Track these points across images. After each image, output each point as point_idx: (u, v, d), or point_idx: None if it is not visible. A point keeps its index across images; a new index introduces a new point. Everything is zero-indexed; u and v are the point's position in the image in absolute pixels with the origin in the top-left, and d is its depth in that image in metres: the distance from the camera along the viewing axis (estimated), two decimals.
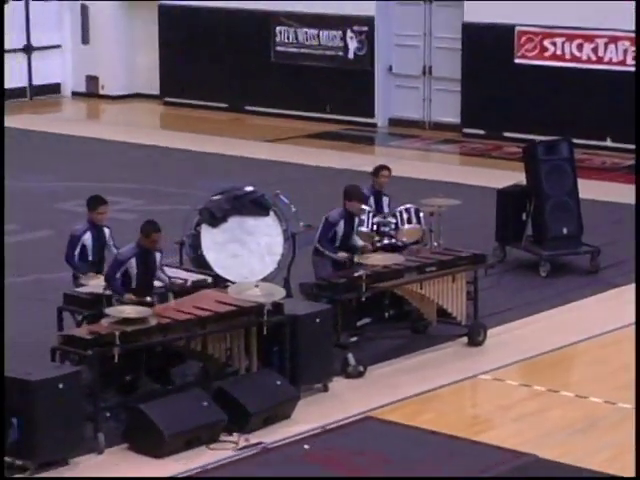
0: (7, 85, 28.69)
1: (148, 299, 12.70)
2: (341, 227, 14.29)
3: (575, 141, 18.13)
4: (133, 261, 12.87)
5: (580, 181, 17.87)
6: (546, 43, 24.34)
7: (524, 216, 17.19)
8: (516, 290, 16.27)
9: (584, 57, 23.89)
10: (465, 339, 14.50)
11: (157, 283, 13.14)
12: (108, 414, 12.04)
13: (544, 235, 17.15)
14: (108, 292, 12.86)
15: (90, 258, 13.56)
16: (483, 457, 11.78)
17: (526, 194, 17.35)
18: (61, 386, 11.34)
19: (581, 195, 17.67)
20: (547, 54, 24.36)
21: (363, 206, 14.62)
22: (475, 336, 14.49)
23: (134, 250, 12.89)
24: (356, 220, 14.50)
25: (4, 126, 21.38)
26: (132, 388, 12.48)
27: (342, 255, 14.18)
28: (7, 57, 28.68)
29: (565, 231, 17.19)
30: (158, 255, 13.09)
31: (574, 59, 24.04)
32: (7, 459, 11.31)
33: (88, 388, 11.68)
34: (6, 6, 28.68)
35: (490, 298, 15.03)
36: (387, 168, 15.44)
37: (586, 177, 19.57)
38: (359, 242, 14.48)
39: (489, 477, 11.38)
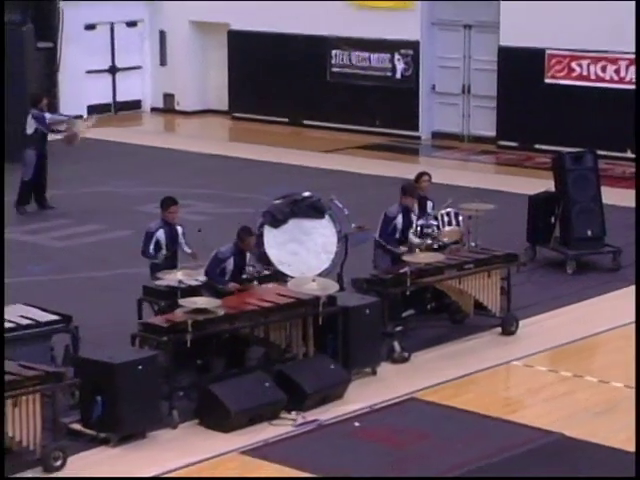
0: (95, 101, 29.03)
1: (255, 283, 13.29)
2: (399, 221, 14.30)
3: (599, 152, 18.03)
4: (231, 260, 13.13)
5: (603, 188, 17.79)
6: (573, 65, 24.26)
7: (552, 219, 17.13)
8: (545, 286, 16.19)
9: (607, 77, 23.75)
10: (499, 329, 14.44)
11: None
12: (181, 393, 12.10)
13: (570, 236, 17.07)
14: (182, 285, 12.93)
15: (164, 253, 13.61)
16: (514, 435, 11.76)
17: (555, 200, 17.29)
18: (140, 368, 11.41)
19: (604, 201, 17.59)
20: (574, 75, 24.26)
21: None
22: (508, 326, 14.43)
23: (232, 250, 13.15)
24: (412, 214, 14.45)
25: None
26: (203, 370, 12.51)
27: (403, 249, 14.16)
28: (95, 77, 28.93)
29: (589, 233, 17.13)
30: (248, 255, 13.42)
31: (598, 79, 23.92)
32: (91, 432, 11.40)
33: (164, 370, 11.74)
34: (94, 31, 28.88)
35: (521, 293, 14.96)
36: (427, 174, 15.43)
37: (608, 185, 19.44)
38: (415, 240, 14.45)
39: (520, 453, 11.32)
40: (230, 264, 13.16)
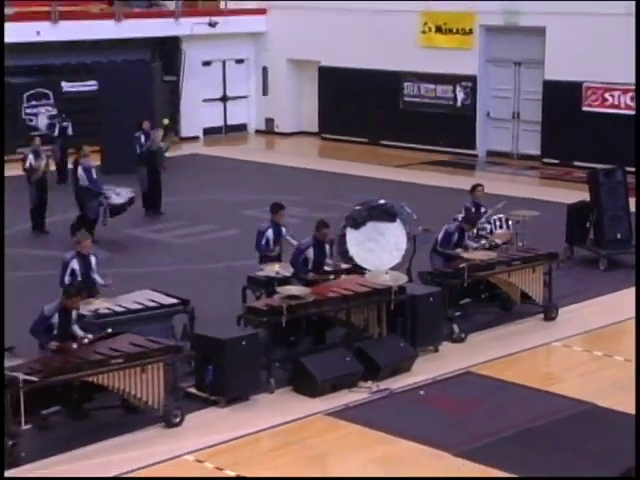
0: (209, 124, 29.25)
1: (332, 277, 12.97)
2: (455, 237, 14.20)
3: (627, 169, 17.81)
4: (311, 250, 13.13)
5: (630, 199, 17.63)
6: (606, 95, 24.00)
7: (587, 224, 16.96)
8: (581, 279, 16.01)
9: (635, 106, 23.40)
10: (541, 315, 14.31)
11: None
12: (277, 364, 12.13)
13: (603, 239, 16.89)
14: (280, 276, 12.98)
15: (271, 247, 13.66)
16: (553, 403, 11.66)
17: (589, 208, 17.11)
18: (244, 343, 11.47)
19: (631, 209, 17.42)
20: (607, 104, 24.01)
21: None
22: (549, 313, 14.29)
23: (311, 242, 13.12)
24: (466, 235, 14.30)
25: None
26: (295, 346, 12.55)
27: (457, 250, 14.06)
28: (209, 104, 29.15)
29: (619, 236, 16.96)
30: (327, 246, 13.32)
31: (627, 107, 23.62)
32: (204, 395, 11.48)
33: (263, 345, 11.79)
34: (209, 67, 29.10)
35: (561, 285, 14.79)
36: (481, 185, 15.37)
37: (634, 196, 19.16)
38: (473, 244, 14.37)
39: (558, 419, 11.22)
40: (310, 253, 13.08)
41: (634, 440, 9.18)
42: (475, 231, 14.72)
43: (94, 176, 18.17)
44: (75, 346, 10.83)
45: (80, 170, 18.28)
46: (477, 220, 14.67)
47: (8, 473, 9.93)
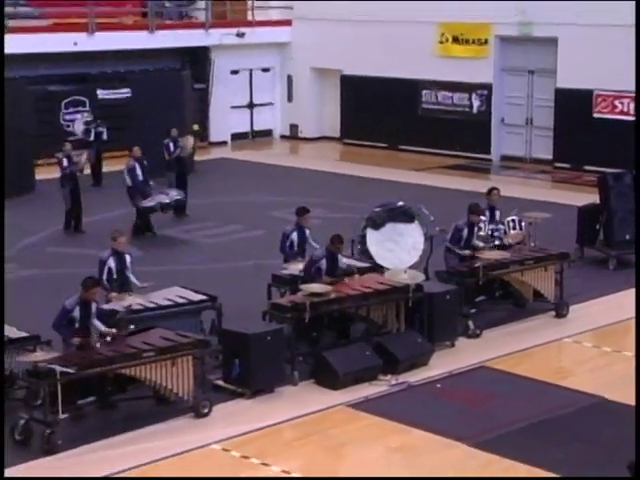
0: (236, 130, 29.27)
1: (347, 280, 12.81)
2: (465, 233, 14.15)
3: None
4: (324, 262, 12.88)
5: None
6: (616, 102, 23.87)
7: (597, 226, 16.86)
8: (591, 278, 15.92)
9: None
10: (553, 313, 14.23)
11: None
12: (301, 358, 12.13)
13: (612, 240, 16.78)
14: (302, 274, 12.96)
15: (295, 249, 13.64)
16: (564, 397, 11.61)
17: (599, 210, 17.01)
18: (269, 338, 11.47)
19: None
20: (616, 110, 23.88)
21: (482, 217, 14.50)
22: (560, 310, 14.22)
23: (325, 253, 12.93)
24: (476, 228, 14.32)
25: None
26: (317, 341, 12.54)
27: (466, 252, 14.05)
28: (237, 111, 29.16)
29: (627, 237, 16.80)
30: (340, 257, 13.10)
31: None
32: (231, 387, 11.48)
33: (287, 340, 11.79)
34: (237, 75, 29.13)
35: (572, 284, 14.71)
36: (497, 188, 15.27)
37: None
38: (479, 244, 14.32)
39: (569, 411, 11.18)
40: (323, 264, 12.82)
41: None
42: (490, 232, 14.67)
43: (139, 177, 18.31)
44: (97, 343, 10.83)
45: (125, 171, 18.44)
46: (480, 207, 14.50)
47: (46, 460, 9.98)
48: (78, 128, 24.01)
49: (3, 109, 20.31)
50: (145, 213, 18.30)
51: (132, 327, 11.52)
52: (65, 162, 18.70)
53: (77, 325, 10.88)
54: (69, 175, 18.67)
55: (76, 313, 10.87)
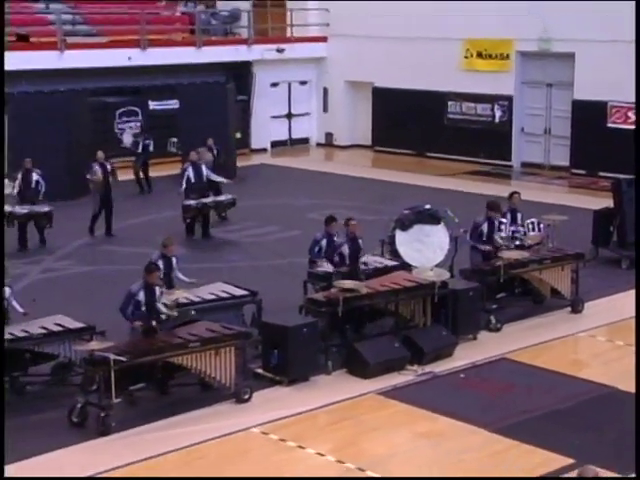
0: (275, 138, 29.29)
1: (362, 278, 12.70)
2: (485, 228, 14.09)
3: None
4: (346, 246, 13.07)
5: None
6: (629, 114, 23.61)
7: (611, 228, 16.72)
8: (605, 277, 15.76)
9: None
10: (569, 309, 14.13)
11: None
12: (334, 349, 12.12)
13: (625, 241, 16.60)
14: (335, 271, 12.96)
15: (322, 255, 13.63)
16: (579, 387, 11.53)
17: (613, 214, 16.86)
18: (305, 330, 11.47)
19: None
20: (629, 121, 23.60)
21: (503, 219, 14.40)
22: (576, 306, 14.12)
23: (345, 238, 13.09)
24: (495, 223, 14.22)
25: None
26: (350, 333, 12.53)
27: (487, 247, 13.96)
28: (276, 120, 29.17)
29: None
30: (360, 241, 13.18)
31: None
32: (270, 375, 11.48)
33: (322, 332, 11.79)
34: (276, 88, 29.15)
35: (587, 282, 14.59)
36: (518, 192, 15.18)
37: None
38: (500, 240, 14.24)
39: (584, 400, 11.10)
40: (346, 249, 12.96)
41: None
42: (511, 233, 14.58)
43: (191, 179, 18.22)
44: (157, 326, 10.92)
45: (190, 170, 18.31)
46: (497, 204, 14.41)
47: (101, 441, 10.05)
48: (127, 140, 24.06)
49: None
50: (184, 211, 18.05)
51: (193, 312, 11.59)
52: (97, 169, 18.30)
53: (144, 308, 10.99)
54: (101, 182, 18.29)
55: (141, 297, 11.01)
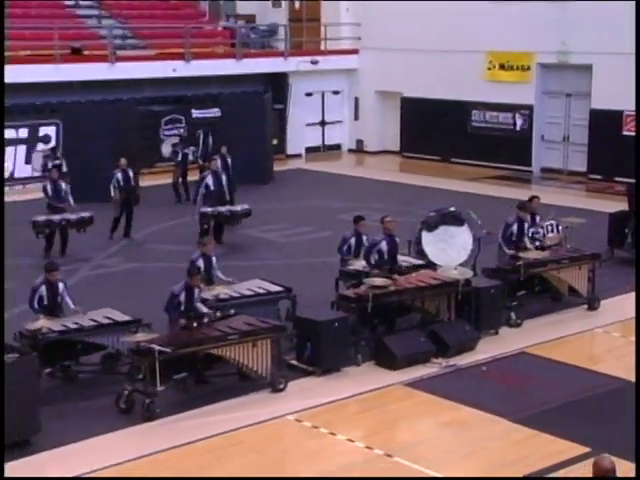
0: (310, 144, 29.22)
1: (396, 276, 12.57)
2: (515, 228, 13.99)
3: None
4: (384, 243, 12.91)
5: None
6: None
7: (626, 230, 16.52)
8: (619, 276, 15.55)
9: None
10: (585, 306, 14.01)
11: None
12: (364, 342, 12.08)
13: (639, 242, 16.45)
14: (365, 270, 12.93)
15: (352, 253, 13.60)
16: (594, 380, 11.43)
17: (628, 216, 16.65)
18: (336, 324, 11.47)
19: None
20: None
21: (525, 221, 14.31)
22: (592, 304, 14.00)
23: (382, 236, 12.96)
24: (525, 224, 14.09)
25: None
26: (378, 327, 12.49)
27: (511, 252, 13.86)
28: (311, 127, 29.12)
29: None
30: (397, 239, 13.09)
31: None
32: (303, 366, 11.47)
33: (352, 326, 11.76)
34: (311, 97, 29.10)
35: (602, 280, 14.45)
36: (537, 196, 15.06)
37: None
38: (528, 243, 14.13)
39: (599, 392, 11.00)
40: (384, 246, 12.87)
41: None
42: (531, 234, 14.47)
43: (210, 187, 17.66)
44: (196, 324, 10.92)
45: (209, 178, 17.85)
46: (527, 205, 14.24)
47: (146, 426, 10.09)
48: (166, 150, 24.05)
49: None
50: (201, 217, 17.30)
51: (232, 311, 11.62)
52: (119, 175, 17.92)
53: (182, 308, 11.00)
54: (122, 187, 17.91)
55: (182, 297, 11.01)
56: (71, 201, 17.03)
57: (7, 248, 15.55)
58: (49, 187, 17.11)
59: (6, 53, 22.53)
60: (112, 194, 17.93)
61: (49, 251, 16.70)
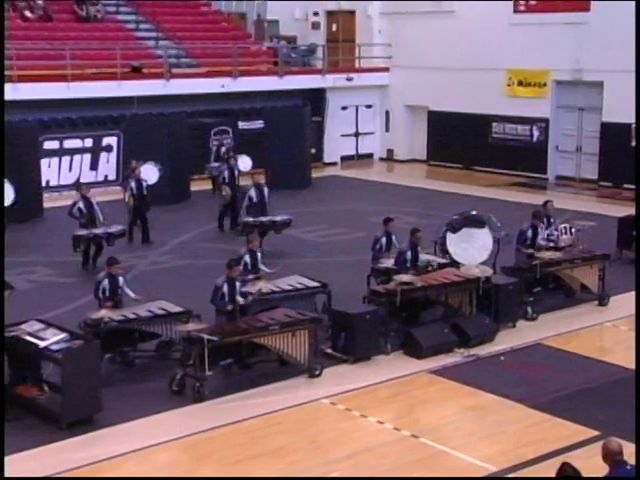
0: (345, 153, 29.13)
1: (412, 272, 12.60)
2: (529, 233, 13.89)
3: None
4: (409, 252, 12.87)
5: None
6: None
7: (634, 232, 16.30)
8: (627, 275, 15.30)
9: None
10: (596, 302, 13.85)
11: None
12: (392, 333, 12.03)
13: None
14: (394, 267, 12.87)
15: (383, 251, 13.55)
16: (604, 369, 11.30)
17: (635, 220, 16.45)
18: (367, 317, 11.44)
19: None
20: None
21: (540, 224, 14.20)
22: (602, 300, 13.83)
23: (408, 245, 12.89)
24: (539, 230, 13.99)
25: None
26: (406, 319, 12.43)
27: (529, 251, 13.74)
28: (346, 138, 29.04)
29: None
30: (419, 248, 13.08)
31: None
32: (338, 355, 11.45)
33: (382, 319, 11.72)
34: (346, 111, 29.07)
35: (612, 279, 14.26)
36: (551, 201, 14.94)
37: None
38: (542, 243, 14.00)
39: (609, 381, 10.87)
40: (408, 254, 12.85)
41: None
42: (546, 236, 14.34)
43: (253, 198, 17.11)
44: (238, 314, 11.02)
45: (252, 190, 17.25)
46: (541, 213, 14.14)
47: (195, 406, 10.14)
48: (211, 165, 23.06)
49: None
50: (244, 227, 16.67)
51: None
52: (133, 184, 17.45)
53: (226, 299, 11.07)
54: (136, 196, 17.43)
55: (225, 289, 11.06)
56: (101, 218, 15.88)
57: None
58: (81, 204, 15.68)
59: (74, 71, 22.90)
60: (126, 200, 17.51)
61: (87, 265, 15.62)
